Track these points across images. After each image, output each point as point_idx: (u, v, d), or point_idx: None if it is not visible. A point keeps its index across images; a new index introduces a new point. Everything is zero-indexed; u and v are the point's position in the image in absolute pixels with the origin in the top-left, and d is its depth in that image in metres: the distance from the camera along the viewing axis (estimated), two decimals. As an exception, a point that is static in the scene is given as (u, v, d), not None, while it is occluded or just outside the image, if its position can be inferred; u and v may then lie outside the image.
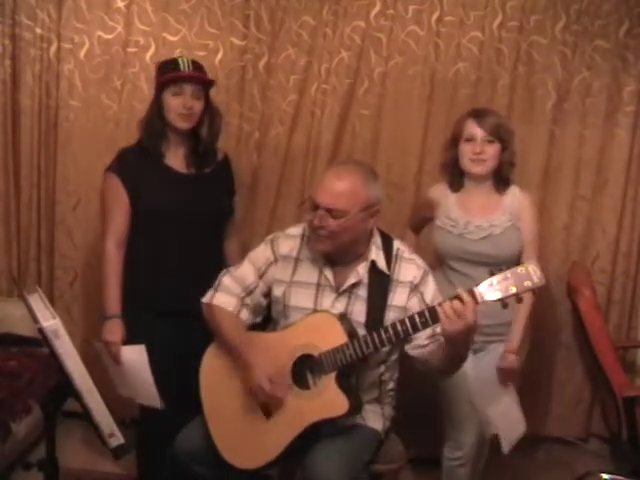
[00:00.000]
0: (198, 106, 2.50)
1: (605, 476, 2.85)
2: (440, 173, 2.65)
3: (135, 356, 2.42)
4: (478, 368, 2.49)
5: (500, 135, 2.48)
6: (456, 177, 2.57)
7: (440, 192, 2.62)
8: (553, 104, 3.07)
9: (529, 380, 2.68)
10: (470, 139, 2.48)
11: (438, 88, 3.08)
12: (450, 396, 2.54)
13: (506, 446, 2.56)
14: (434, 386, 2.54)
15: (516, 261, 2.51)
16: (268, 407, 2.14)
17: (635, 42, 3.03)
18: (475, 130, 2.47)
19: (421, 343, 2.09)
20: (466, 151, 2.49)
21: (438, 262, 2.64)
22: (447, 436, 2.62)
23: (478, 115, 2.49)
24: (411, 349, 2.12)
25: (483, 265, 2.44)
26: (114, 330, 2.47)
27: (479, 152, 2.46)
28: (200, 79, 2.52)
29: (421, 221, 2.73)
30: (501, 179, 2.53)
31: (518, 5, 3.01)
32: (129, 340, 2.48)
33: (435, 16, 3.03)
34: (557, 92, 3.06)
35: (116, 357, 2.46)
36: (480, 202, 2.54)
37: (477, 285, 1.88)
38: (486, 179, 2.53)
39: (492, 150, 2.48)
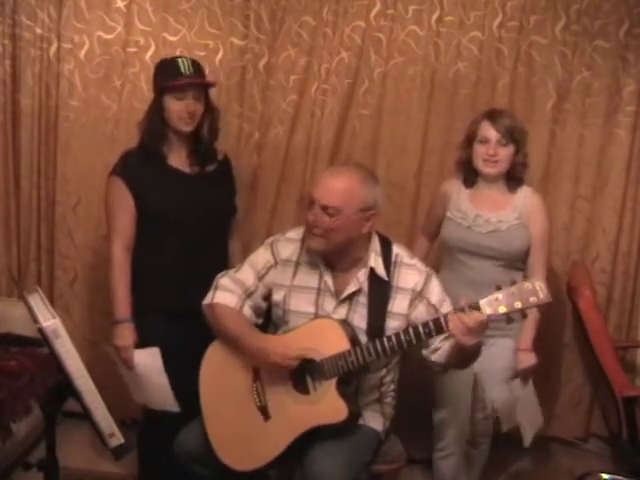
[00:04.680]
0: (200, 109, 2.50)
1: (605, 476, 2.84)
2: (455, 170, 2.68)
3: (148, 360, 2.40)
4: (481, 363, 2.51)
5: (514, 137, 2.51)
6: (470, 175, 2.61)
7: (453, 186, 2.67)
8: (553, 104, 3.07)
9: (529, 380, 2.69)
10: (484, 141, 2.51)
11: (438, 88, 3.08)
12: (437, 391, 2.59)
13: (527, 440, 2.63)
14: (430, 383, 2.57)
15: (521, 257, 2.57)
16: (266, 409, 2.14)
17: (635, 42, 3.02)
18: (489, 132, 2.50)
19: (437, 346, 2.09)
20: (480, 152, 2.52)
21: (446, 254, 2.67)
22: (434, 426, 2.67)
23: (493, 117, 2.52)
24: (429, 354, 2.11)
25: (489, 258, 2.54)
26: (125, 335, 2.45)
27: (493, 154, 2.49)
28: (202, 84, 2.52)
29: (437, 221, 2.71)
30: (513, 179, 2.57)
31: (518, 5, 3.01)
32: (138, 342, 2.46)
33: (435, 16, 3.03)
34: (557, 92, 3.06)
35: (128, 362, 2.44)
36: (491, 199, 2.58)
37: (483, 298, 1.88)
38: (499, 179, 2.57)
39: (505, 152, 2.51)
